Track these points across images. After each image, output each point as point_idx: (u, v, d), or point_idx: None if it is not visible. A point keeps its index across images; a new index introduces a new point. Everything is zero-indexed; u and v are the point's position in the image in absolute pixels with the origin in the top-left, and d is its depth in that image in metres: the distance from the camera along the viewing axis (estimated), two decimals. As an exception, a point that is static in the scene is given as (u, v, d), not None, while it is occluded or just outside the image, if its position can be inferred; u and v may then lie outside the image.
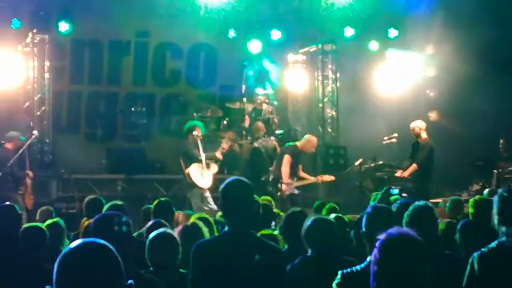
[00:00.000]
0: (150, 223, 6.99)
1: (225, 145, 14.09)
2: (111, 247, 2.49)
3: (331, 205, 9.04)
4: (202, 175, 13.24)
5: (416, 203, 5.44)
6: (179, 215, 9.33)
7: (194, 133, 13.37)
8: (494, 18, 15.92)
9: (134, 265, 4.29)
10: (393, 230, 3.06)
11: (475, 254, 4.84)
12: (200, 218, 6.38)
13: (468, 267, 4.83)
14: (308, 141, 14.02)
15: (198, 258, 4.71)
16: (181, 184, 14.16)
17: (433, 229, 5.24)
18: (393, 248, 2.95)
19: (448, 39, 17.46)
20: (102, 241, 2.50)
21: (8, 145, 13.06)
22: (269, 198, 10.85)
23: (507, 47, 16.18)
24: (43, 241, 6.22)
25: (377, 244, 2.99)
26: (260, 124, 15.53)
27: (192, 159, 13.34)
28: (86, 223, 7.50)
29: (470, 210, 7.66)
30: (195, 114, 15.73)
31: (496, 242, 4.86)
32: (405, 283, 2.94)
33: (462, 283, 4.96)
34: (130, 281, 2.50)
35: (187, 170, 13.27)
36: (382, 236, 3.03)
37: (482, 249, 4.86)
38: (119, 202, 7.01)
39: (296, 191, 13.65)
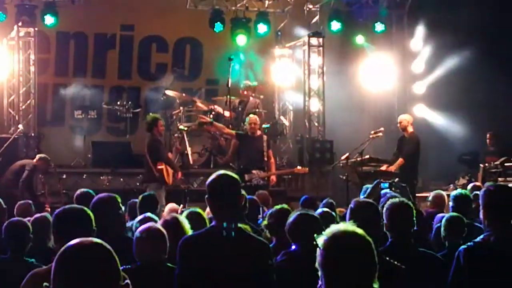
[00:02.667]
0: (139, 218, 6.91)
1: (178, 145, 14.57)
2: (108, 246, 2.48)
3: (329, 201, 8.95)
4: (168, 172, 13.31)
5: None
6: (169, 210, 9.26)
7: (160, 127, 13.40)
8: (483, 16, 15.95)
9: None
10: (340, 225, 3.07)
11: (461, 249, 4.82)
12: (192, 213, 6.27)
13: (454, 262, 4.82)
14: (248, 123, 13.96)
15: (185, 253, 4.66)
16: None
17: (407, 227, 5.25)
18: (335, 240, 2.96)
19: (434, 33, 17.50)
20: (98, 240, 2.48)
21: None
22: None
23: (494, 40, 16.21)
24: (26, 236, 6.14)
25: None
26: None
27: (160, 155, 13.28)
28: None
29: (451, 203, 7.88)
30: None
31: (481, 236, 4.84)
32: (348, 273, 2.94)
33: (437, 280, 4.98)
34: (126, 281, 2.49)
35: (160, 166, 13.19)
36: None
37: (468, 244, 4.84)
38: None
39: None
